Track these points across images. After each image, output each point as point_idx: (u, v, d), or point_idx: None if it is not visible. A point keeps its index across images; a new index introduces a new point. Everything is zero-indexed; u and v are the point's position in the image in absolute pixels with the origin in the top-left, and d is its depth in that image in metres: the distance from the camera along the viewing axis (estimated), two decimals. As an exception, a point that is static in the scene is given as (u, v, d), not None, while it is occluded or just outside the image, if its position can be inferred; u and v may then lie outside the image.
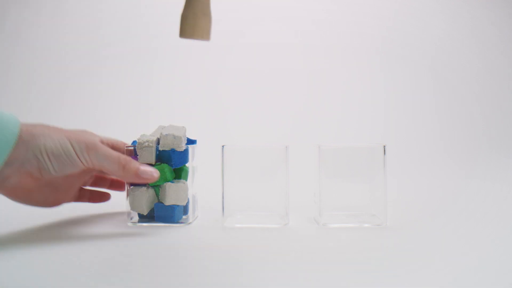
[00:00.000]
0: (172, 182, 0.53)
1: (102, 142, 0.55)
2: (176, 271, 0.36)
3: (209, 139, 0.81)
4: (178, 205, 0.53)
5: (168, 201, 0.53)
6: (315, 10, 1.11)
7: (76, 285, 0.33)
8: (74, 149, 0.47)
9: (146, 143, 0.53)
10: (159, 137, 0.54)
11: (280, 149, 0.53)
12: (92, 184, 0.60)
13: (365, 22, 1.11)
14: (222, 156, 0.53)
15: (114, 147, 0.57)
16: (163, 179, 0.53)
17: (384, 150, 0.52)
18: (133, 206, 0.53)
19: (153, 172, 0.50)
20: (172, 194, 0.53)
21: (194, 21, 0.48)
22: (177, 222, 0.53)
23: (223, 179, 0.53)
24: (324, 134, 1.03)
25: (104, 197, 0.62)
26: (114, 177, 0.62)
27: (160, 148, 0.53)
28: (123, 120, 1.07)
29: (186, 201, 0.54)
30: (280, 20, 1.11)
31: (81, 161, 0.48)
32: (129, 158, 0.50)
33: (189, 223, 0.54)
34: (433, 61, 1.11)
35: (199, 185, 0.58)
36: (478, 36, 1.12)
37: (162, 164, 0.53)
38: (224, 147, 0.53)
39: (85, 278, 0.35)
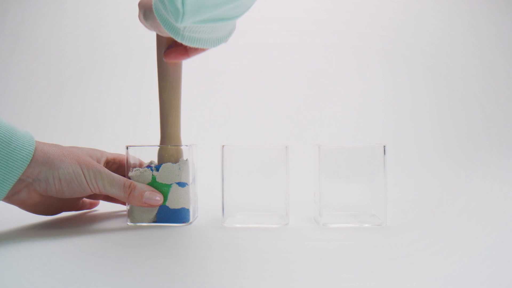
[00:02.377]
0: (179, 185, 0.53)
1: (109, 160, 0.57)
2: (176, 271, 0.36)
3: (209, 139, 0.81)
4: (186, 208, 0.53)
5: (174, 205, 0.53)
6: (315, 10, 1.11)
7: (75, 284, 0.33)
8: (85, 177, 0.49)
9: (138, 171, 0.53)
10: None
11: (280, 149, 0.53)
12: (90, 197, 0.62)
13: (365, 22, 1.11)
14: (222, 156, 0.53)
15: (122, 163, 0.58)
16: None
17: (384, 150, 0.52)
18: (132, 218, 0.54)
19: (157, 197, 0.52)
20: (179, 198, 0.53)
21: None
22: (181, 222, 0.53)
23: (223, 179, 0.53)
24: (324, 134, 1.03)
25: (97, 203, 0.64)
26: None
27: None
28: (123, 120, 1.07)
29: (190, 204, 0.54)
30: (279, 20, 1.11)
31: (90, 188, 0.50)
32: (133, 184, 0.51)
33: (189, 223, 0.54)
34: (433, 61, 1.11)
35: (199, 185, 0.58)
36: (478, 36, 1.12)
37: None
38: (224, 147, 0.53)
39: (85, 277, 0.35)
